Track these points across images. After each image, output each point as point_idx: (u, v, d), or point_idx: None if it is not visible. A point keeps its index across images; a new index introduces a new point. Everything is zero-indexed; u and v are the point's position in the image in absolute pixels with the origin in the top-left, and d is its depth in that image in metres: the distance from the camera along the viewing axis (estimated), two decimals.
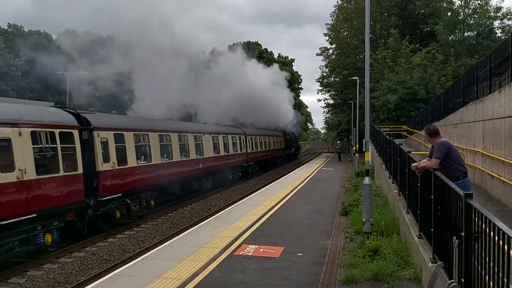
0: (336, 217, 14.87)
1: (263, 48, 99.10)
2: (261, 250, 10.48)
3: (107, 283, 8.45)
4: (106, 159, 16.70)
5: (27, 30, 56.60)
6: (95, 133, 16.27)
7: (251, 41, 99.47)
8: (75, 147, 14.82)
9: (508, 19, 39.45)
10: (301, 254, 10.10)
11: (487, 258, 4.00)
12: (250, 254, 10.16)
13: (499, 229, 3.63)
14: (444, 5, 43.02)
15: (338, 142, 59.56)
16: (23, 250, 12.70)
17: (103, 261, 14.00)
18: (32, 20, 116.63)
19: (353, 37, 49.30)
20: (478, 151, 13.53)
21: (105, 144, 16.81)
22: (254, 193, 22.96)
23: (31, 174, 12.48)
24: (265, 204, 17.64)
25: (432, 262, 6.61)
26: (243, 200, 20.23)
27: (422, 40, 45.08)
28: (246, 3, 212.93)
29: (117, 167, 17.25)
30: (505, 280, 3.49)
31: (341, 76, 51.97)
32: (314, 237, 11.87)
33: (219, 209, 21.20)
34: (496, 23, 40.21)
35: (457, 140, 16.47)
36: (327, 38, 53.94)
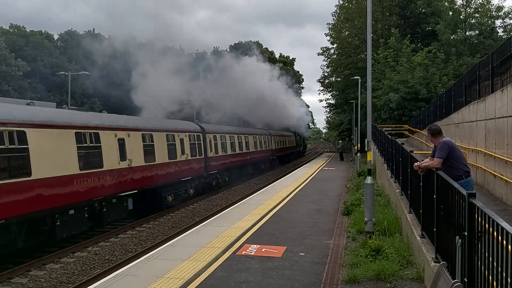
0: (338, 217, 14.87)
1: (264, 47, 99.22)
2: (263, 249, 10.48)
3: (109, 283, 8.46)
4: (212, 150, 28.65)
5: (28, 31, 56.61)
6: (206, 135, 28.38)
7: (252, 40, 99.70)
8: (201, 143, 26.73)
9: (510, 18, 39.40)
10: (303, 254, 10.09)
11: (490, 258, 3.99)
12: (252, 253, 10.16)
13: (502, 228, 3.63)
14: (446, 4, 42.99)
15: (340, 141, 59.56)
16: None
17: (106, 261, 14.02)
18: (34, 21, 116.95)
19: (354, 36, 49.27)
20: (480, 151, 13.52)
21: (211, 141, 28.74)
22: (255, 193, 22.95)
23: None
24: (267, 204, 17.64)
25: (434, 262, 6.60)
26: (245, 199, 20.22)
27: (423, 40, 45.05)
28: (245, 3, 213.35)
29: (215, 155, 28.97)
30: (509, 280, 3.49)
31: (342, 76, 51.95)
32: (316, 236, 11.87)
33: (221, 209, 21.22)
34: (498, 22, 40.17)
35: (459, 139, 16.45)
36: (328, 38, 53.95)
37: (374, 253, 9.26)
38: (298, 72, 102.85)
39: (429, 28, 43.60)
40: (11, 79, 46.61)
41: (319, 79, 59.69)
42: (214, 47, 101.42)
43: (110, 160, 17.25)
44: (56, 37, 67.23)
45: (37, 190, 13.27)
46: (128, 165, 18.54)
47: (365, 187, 12.04)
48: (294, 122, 61.92)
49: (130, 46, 33.31)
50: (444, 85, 32.68)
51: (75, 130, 15.43)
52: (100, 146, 16.74)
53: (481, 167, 13.53)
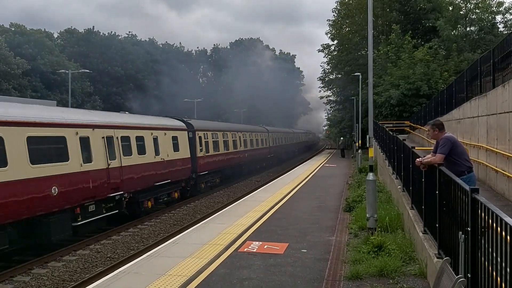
0: (339, 213, 14.86)
1: (264, 44, 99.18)
2: (265, 246, 10.48)
3: (111, 280, 8.47)
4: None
5: (29, 29, 56.58)
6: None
7: (253, 37, 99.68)
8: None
9: (511, 14, 39.29)
10: (306, 250, 10.10)
11: (494, 253, 3.98)
12: (255, 250, 10.16)
13: (506, 223, 3.61)
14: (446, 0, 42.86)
15: (341, 138, 59.55)
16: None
17: (108, 258, 14.04)
18: (35, 20, 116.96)
19: (354, 33, 49.15)
20: (482, 146, 13.50)
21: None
22: (257, 190, 22.95)
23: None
24: (269, 201, 17.64)
25: (437, 258, 6.60)
26: (247, 197, 20.23)
27: (424, 36, 44.93)
28: (243, 2, 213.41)
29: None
30: None
31: (343, 72, 51.85)
32: (318, 233, 11.87)
33: (222, 206, 21.24)
34: (498, 18, 40.05)
35: (461, 135, 16.42)
36: (328, 35, 53.81)
37: (376, 249, 9.26)
38: (298, 68, 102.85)
39: (430, 24, 43.51)
40: (11, 78, 46.59)
41: (319, 77, 59.58)
42: (214, 45, 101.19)
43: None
44: (55, 35, 67.21)
45: None
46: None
47: (366, 183, 12.03)
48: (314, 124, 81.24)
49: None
50: (445, 81, 32.60)
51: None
52: None
53: (482, 163, 13.51)
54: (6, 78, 45.84)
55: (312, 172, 30.47)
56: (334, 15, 52.66)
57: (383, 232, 10.69)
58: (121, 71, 67.59)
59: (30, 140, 13.06)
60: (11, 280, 12.00)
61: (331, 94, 61.34)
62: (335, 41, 53.59)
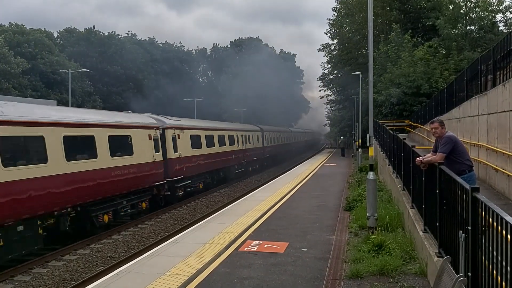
0: (340, 212, 14.86)
1: (264, 43, 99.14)
2: (265, 245, 10.48)
3: (112, 280, 8.47)
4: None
5: (28, 28, 56.55)
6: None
7: (252, 36, 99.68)
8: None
9: (511, 13, 39.24)
10: (306, 250, 10.09)
11: (494, 252, 3.98)
12: (255, 250, 10.16)
13: (507, 222, 3.61)
14: None
15: (342, 137, 59.58)
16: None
17: (108, 258, 14.05)
18: (35, 19, 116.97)
19: (354, 32, 49.13)
20: (482, 145, 13.49)
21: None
22: (257, 189, 22.96)
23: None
24: (269, 200, 17.64)
25: (437, 257, 6.60)
26: (247, 196, 20.22)
27: (424, 34, 44.88)
28: (242, 2, 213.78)
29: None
30: None
31: (343, 72, 51.82)
32: (318, 232, 11.87)
33: (222, 206, 21.25)
34: (499, 17, 40.01)
35: (461, 134, 16.41)
36: (328, 34, 53.78)
37: (376, 248, 9.26)
38: (299, 67, 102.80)
39: (430, 23, 43.46)
40: (11, 77, 46.57)
41: (319, 77, 59.56)
42: (214, 44, 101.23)
43: None
44: (55, 34, 67.19)
45: None
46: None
47: (367, 182, 12.03)
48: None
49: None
50: (445, 79, 32.57)
51: None
52: None
53: (483, 162, 13.51)
54: (6, 77, 45.81)
55: (312, 171, 30.46)
56: (334, 14, 52.64)
57: (383, 231, 10.69)
58: (120, 71, 67.56)
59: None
60: (11, 279, 12.01)
61: (331, 93, 61.39)
62: (335, 40, 53.59)
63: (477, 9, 39.32)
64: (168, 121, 23.51)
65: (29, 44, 52.61)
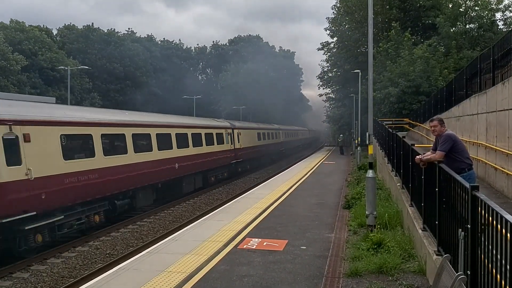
0: (339, 210, 14.87)
1: (264, 41, 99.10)
2: (264, 243, 10.49)
3: (111, 277, 8.47)
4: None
5: (28, 26, 56.43)
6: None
7: (252, 34, 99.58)
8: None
9: (510, 11, 39.21)
10: (305, 247, 10.10)
11: (493, 251, 3.99)
12: (254, 247, 10.17)
13: (506, 221, 3.61)
14: None
15: (341, 135, 59.57)
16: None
17: (107, 255, 14.05)
18: (34, 17, 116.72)
19: (354, 30, 49.07)
20: (481, 144, 13.50)
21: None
22: (256, 187, 22.96)
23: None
24: (268, 198, 17.65)
25: (437, 255, 6.61)
26: (246, 194, 20.22)
27: (424, 33, 44.86)
28: (240, 1, 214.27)
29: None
30: None
31: (342, 70, 51.79)
32: (317, 230, 11.88)
33: (221, 203, 21.25)
34: (498, 15, 39.99)
35: (460, 132, 16.42)
36: (328, 32, 53.74)
37: (375, 246, 9.27)
38: (298, 65, 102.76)
39: (429, 21, 43.45)
40: (10, 74, 46.47)
41: (318, 75, 59.52)
42: (213, 41, 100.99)
43: None
44: (55, 32, 67.03)
45: None
46: None
47: (366, 180, 12.02)
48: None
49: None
50: (444, 78, 32.57)
51: None
52: None
53: (482, 160, 13.52)
54: (4, 74, 45.72)
55: (311, 170, 30.47)
56: (334, 12, 52.61)
57: (382, 229, 10.71)
58: (119, 68, 67.48)
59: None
60: (10, 276, 12.00)
61: (330, 91, 61.39)
62: (335, 38, 53.57)
63: (476, 7, 39.32)
64: (308, 127, 37.87)
65: (28, 41, 52.51)
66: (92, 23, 70.07)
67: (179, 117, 27.79)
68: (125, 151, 18.49)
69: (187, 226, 13.83)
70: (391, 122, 31.66)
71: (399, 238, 9.66)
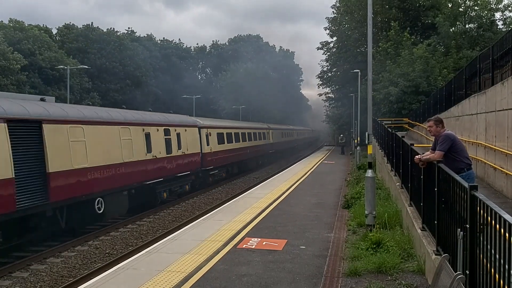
0: (338, 210, 14.89)
1: (264, 41, 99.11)
2: (264, 243, 10.50)
3: (110, 276, 8.47)
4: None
5: (27, 25, 56.37)
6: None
7: (251, 34, 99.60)
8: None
9: (510, 11, 39.24)
10: (304, 247, 10.11)
11: (492, 250, 3.99)
12: (253, 247, 10.17)
13: (505, 220, 3.62)
14: None
15: (341, 135, 59.59)
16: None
17: (106, 254, 14.06)
18: (34, 16, 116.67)
19: (353, 29, 49.08)
20: (481, 143, 13.51)
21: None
22: (256, 187, 22.97)
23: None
24: (267, 198, 17.66)
25: (435, 254, 6.61)
26: (245, 193, 20.23)
27: (423, 33, 44.89)
28: (238, 1, 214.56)
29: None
30: (511, 272, 3.49)
31: (342, 70, 51.81)
32: (316, 230, 11.89)
33: (221, 203, 21.25)
34: (498, 15, 40.01)
35: (459, 132, 16.43)
36: (327, 31, 53.76)
37: (374, 246, 9.28)
38: (298, 65, 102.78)
39: (429, 21, 43.49)
40: (9, 73, 46.40)
41: (318, 74, 59.54)
42: (213, 41, 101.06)
43: None
44: (54, 31, 66.96)
45: None
46: None
47: (365, 180, 12.03)
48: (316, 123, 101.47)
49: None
50: (444, 78, 32.57)
51: None
52: None
53: (481, 160, 13.53)
54: (4, 73, 45.65)
55: (310, 169, 30.49)
56: (333, 11, 52.62)
57: (381, 229, 10.72)
58: (119, 67, 67.42)
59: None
60: (9, 276, 12.00)
61: (329, 91, 61.39)
62: (334, 38, 53.58)
63: (476, 7, 39.34)
64: (312, 128, 40.55)
65: (28, 40, 52.44)
66: (92, 23, 70.03)
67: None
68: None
69: (186, 225, 13.83)
70: (390, 122, 31.67)
71: (398, 237, 9.67)
